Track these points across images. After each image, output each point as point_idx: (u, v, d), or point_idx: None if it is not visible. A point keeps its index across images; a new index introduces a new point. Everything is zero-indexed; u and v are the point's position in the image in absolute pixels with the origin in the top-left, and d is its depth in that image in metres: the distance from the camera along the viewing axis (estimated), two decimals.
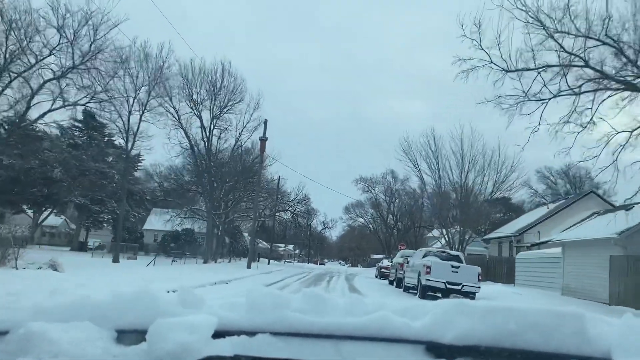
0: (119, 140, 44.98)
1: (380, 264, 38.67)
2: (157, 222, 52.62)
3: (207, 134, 41.67)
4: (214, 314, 1.16)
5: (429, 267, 17.36)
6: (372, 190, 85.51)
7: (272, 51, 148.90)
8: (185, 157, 42.46)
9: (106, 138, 46.54)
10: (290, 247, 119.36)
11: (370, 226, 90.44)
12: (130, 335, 1.10)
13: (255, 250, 65.71)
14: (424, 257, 19.28)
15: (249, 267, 33.61)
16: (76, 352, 1.00)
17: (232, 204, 46.56)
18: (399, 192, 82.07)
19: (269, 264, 52.95)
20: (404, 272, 21.83)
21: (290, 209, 64.37)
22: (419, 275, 18.09)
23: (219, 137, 42.98)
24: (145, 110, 31.52)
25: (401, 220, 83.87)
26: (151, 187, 53.82)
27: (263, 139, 35.39)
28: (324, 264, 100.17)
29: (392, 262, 29.02)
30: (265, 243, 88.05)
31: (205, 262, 38.37)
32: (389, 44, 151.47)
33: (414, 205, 79.18)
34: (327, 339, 1.16)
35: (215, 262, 40.66)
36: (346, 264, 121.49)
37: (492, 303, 1.23)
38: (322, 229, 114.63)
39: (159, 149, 66.52)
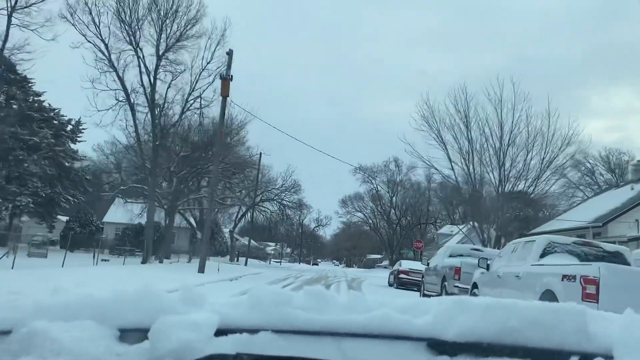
0: (48, 101, 37.60)
1: (398, 268, 29.34)
2: (119, 213, 46.23)
3: (151, 79, 31.90)
4: (216, 312, 1.24)
5: (594, 281, 7.92)
6: (373, 181, 79.67)
7: (268, 50, 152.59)
8: (116, 111, 32.17)
9: (31, 98, 37.62)
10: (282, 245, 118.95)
11: (370, 221, 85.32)
12: (133, 334, 1.18)
13: (235, 247, 59.46)
14: (544, 254, 10.20)
15: (201, 271, 24.50)
16: (79, 351, 1.08)
17: (189, 180, 38.15)
18: (404, 182, 77.57)
19: (245, 264, 46.21)
20: (475, 288, 13.17)
21: (276, 197, 57.71)
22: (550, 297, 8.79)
23: (169, 85, 33.08)
24: (18, 8, 23.22)
25: (405, 215, 79.39)
26: (106, 170, 44.75)
27: (225, 77, 25.62)
28: (317, 265, 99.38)
29: (427, 264, 20.51)
30: (252, 241, 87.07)
31: (144, 261, 30.98)
32: (385, 43, 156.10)
33: (420, 198, 75.36)
34: (329, 336, 1.24)
35: (161, 261, 33.16)
36: (340, 264, 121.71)
37: (492, 299, 1.32)
38: (316, 227, 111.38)
39: (81, 98, 52.32)
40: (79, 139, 43.05)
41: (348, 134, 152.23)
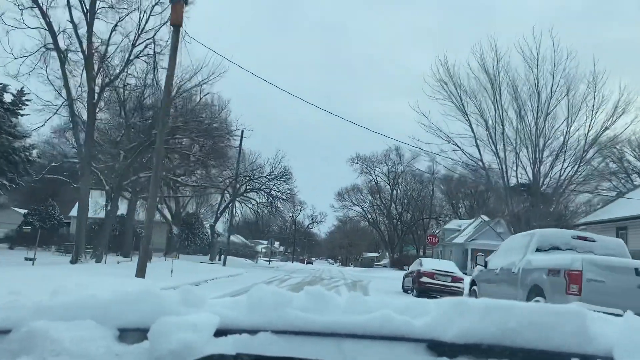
0: None
1: (418, 268, 22.64)
2: (89, 205, 36.56)
3: (87, 17, 24.17)
4: (216, 312, 1.27)
5: None
6: (372, 172, 75.13)
7: (257, 48, 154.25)
8: (38, 58, 24.35)
9: None
10: (276, 244, 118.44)
11: (369, 216, 79.74)
12: (133, 334, 1.21)
13: (215, 244, 50.46)
14: None
15: (140, 275, 17.54)
16: (78, 350, 1.10)
17: (143, 155, 30.30)
18: (405, 173, 73.15)
19: (224, 264, 38.65)
20: None
21: (264, 187, 51.42)
22: None
23: (114, 28, 25.13)
24: None
25: (407, 209, 74.54)
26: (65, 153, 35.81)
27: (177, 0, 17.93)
28: (312, 263, 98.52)
29: (484, 265, 13.63)
30: (242, 238, 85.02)
31: (74, 261, 24.64)
32: (382, 42, 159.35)
33: (423, 190, 71.46)
34: (328, 337, 1.27)
35: (99, 261, 26.07)
36: (336, 263, 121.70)
37: (492, 301, 1.34)
38: (310, 224, 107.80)
39: None
40: (21, 111, 34.87)
41: (346, 131, 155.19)
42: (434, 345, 1.27)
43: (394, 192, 75.81)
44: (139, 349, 1.17)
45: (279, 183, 51.92)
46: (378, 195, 76.37)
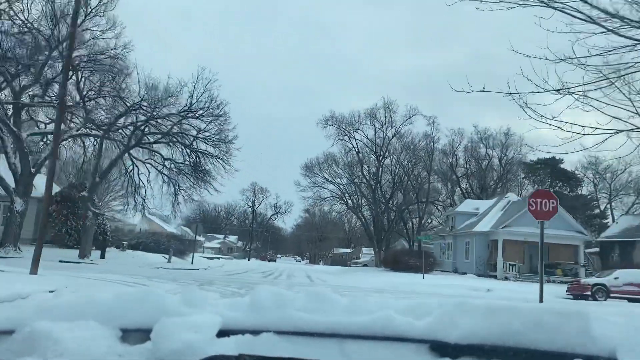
0: None
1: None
2: None
3: None
4: (218, 313, 1.33)
5: None
6: (352, 137, 59.28)
7: (236, 45, 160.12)
8: None
9: None
10: (232, 238, 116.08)
11: (347, 196, 62.33)
12: (135, 334, 1.27)
13: (88, 228, 31.27)
14: None
15: None
16: (81, 351, 1.15)
17: None
18: (400, 135, 59.16)
19: (31, 271, 13.05)
20: None
21: (177, 130, 32.01)
22: None
23: None
24: None
25: (399, 189, 59.40)
26: None
27: None
28: (275, 261, 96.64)
29: None
30: (187, 229, 68.99)
31: None
32: (355, 42, 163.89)
33: (418, 163, 58.17)
34: (331, 338, 1.34)
35: None
36: (303, 260, 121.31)
37: (495, 302, 1.42)
38: (273, 214, 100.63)
39: None
40: None
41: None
42: (437, 346, 1.34)
43: (383, 163, 59.61)
44: (142, 349, 1.23)
45: (205, 125, 32.41)
46: (360, 169, 60.11)
